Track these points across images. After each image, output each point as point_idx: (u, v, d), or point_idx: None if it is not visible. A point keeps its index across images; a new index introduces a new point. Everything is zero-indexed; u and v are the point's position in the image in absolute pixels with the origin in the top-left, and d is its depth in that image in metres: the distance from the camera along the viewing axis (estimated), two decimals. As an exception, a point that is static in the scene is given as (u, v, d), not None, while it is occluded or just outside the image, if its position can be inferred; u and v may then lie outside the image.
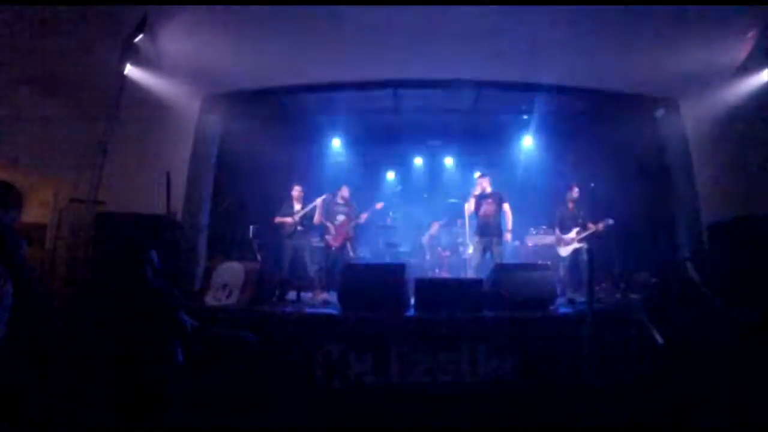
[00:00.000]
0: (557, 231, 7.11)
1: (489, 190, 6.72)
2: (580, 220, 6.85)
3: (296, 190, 7.01)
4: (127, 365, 3.03)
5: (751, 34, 4.90)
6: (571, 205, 7.05)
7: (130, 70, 5.06)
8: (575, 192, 7.05)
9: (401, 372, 4.45)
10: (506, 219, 6.67)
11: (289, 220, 6.79)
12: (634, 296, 5.66)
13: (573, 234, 6.84)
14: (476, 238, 6.66)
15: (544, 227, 8.08)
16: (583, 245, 6.69)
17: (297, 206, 6.91)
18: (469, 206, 6.79)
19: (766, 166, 5.30)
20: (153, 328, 3.04)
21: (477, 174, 7.12)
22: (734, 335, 3.88)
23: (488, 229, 6.55)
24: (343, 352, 4.49)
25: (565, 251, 6.94)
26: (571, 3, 4.61)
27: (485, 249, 6.55)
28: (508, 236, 6.70)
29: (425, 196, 10.37)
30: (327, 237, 7.39)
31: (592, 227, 6.69)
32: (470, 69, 6.25)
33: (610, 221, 6.63)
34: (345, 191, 7.63)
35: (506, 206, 6.68)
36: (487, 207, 6.61)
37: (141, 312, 3.03)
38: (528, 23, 5.03)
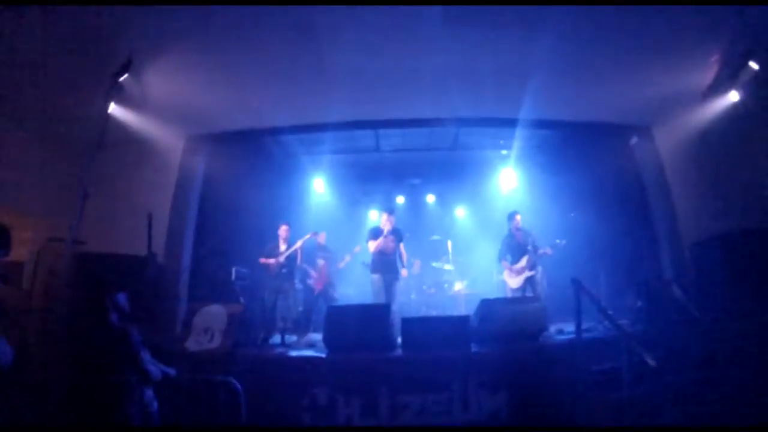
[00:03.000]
0: (505, 263, 6.84)
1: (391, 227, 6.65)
2: (529, 247, 6.66)
3: (283, 230, 6.96)
4: (97, 410, 2.89)
5: (715, 59, 5.14)
6: (518, 234, 6.85)
7: (114, 109, 5.05)
8: (518, 221, 6.87)
9: (391, 414, 4.32)
10: (402, 257, 6.69)
11: (272, 261, 6.70)
12: (622, 322, 5.66)
13: (523, 262, 6.65)
14: (377, 276, 6.51)
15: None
16: (536, 273, 6.58)
17: (282, 246, 6.84)
18: (374, 245, 6.60)
19: (738, 183, 5.46)
20: (117, 373, 2.93)
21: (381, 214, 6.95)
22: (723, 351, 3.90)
23: (389, 266, 6.52)
24: (331, 396, 4.36)
25: (516, 282, 6.69)
26: (542, 37, 4.80)
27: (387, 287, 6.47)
28: (404, 272, 6.74)
29: (407, 235, 10.39)
30: (309, 281, 7.52)
31: (542, 252, 6.58)
32: (449, 107, 6.39)
33: (561, 241, 6.56)
34: (322, 237, 7.93)
35: (402, 246, 6.70)
36: (389, 244, 6.57)
37: (104, 356, 2.92)
38: (503, 61, 5.20)
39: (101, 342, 2.96)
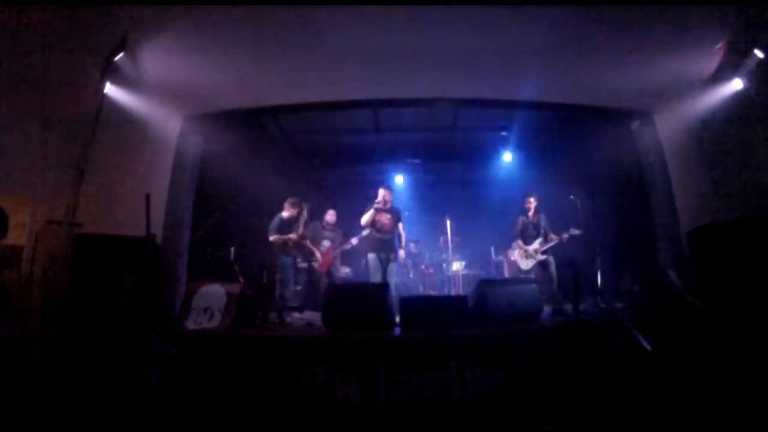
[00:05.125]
0: (519, 242, 6.81)
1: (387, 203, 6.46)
2: (542, 231, 6.65)
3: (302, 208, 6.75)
4: (100, 389, 2.94)
5: (720, 46, 5.10)
6: (532, 214, 6.81)
7: (109, 89, 5.01)
8: (533, 201, 6.81)
9: (389, 392, 4.37)
10: (400, 238, 6.53)
11: (293, 236, 6.56)
12: (618, 305, 5.72)
13: (536, 245, 6.63)
14: (372, 255, 6.40)
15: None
16: (548, 257, 6.53)
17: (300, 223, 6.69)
18: (366, 217, 6.40)
19: (738, 172, 5.47)
20: (125, 353, 2.96)
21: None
22: (717, 337, 3.95)
23: (385, 245, 6.37)
24: (329, 374, 4.40)
25: (527, 264, 6.65)
26: (543, 19, 4.74)
27: (383, 266, 6.33)
28: (401, 254, 6.60)
29: (406, 213, 10.38)
30: (313, 263, 7.19)
31: (554, 238, 6.52)
32: (448, 88, 6.33)
33: (576, 231, 6.48)
34: (330, 216, 7.47)
35: (400, 225, 6.54)
36: (385, 221, 6.43)
37: (113, 337, 2.95)
38: (504, 42, 5.15)
39: (107, 322, 2.99)
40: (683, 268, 5.69)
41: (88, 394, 2.99)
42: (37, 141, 4.99)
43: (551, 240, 6.54)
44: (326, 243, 7.33)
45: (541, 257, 6.56)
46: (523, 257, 6.74)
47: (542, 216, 6.80)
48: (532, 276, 6.52)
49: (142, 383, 3.02)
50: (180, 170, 6.48)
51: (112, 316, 3.00)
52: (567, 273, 6.34)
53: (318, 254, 7.20)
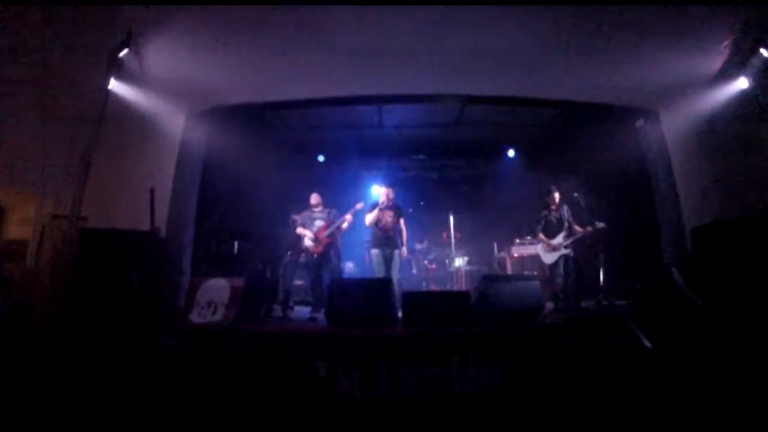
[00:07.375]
0: (542, 236, 6.65)
1: (390, 201, 6.62)
2: (566, 224, 6.54)
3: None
4: (106, 382, 2.98)
5: (725, 45, 5.08)
6: (554, 208, 6.67)
7: (114, 84, 5.03)
8: (556, 194, 6.68)
9: (390, 387, 4.40)
10: (401, 234, 6.65)
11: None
12: (620, 303, 5.73)
13: (560, 239, 6.50)
14: (376, 250, 6.56)
15: (529, 238, 8.09)
16: (570, 251, 6.42)
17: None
18: (371, 217, 6.60)
19: (743, 171, 5.45)
20: (131, 346, 3.00)
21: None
22: (718, 336, 3.95)
23: (388, 241, 6.52)
24: (331, 369, 4.43)
25: (551, 258, 6.54)
26: (548, 17, 4.74)
27: (386, 261, 6.47)
28: (404, 251, 6.71)
29: (410, 210, 10.40)
30: (308, 245, 6.64)
31: (579, 230, 6.39)
32: (453, 84, 6.32)
33: (601, 224, 6.30)
34: (314, 198, 7.06)
35: (402, 221, 6.65)
36: (387, 219, 6.56)
37: (118, 331, 3.00)
38: (509, 39, 5.13)
39: (113, 317, 3.02)
40: (687, 267, 5.67)
41: (93, 388, 3.02)
42: (42, 136, 5.00)
43: (576, 232, 6.41)
44: (318, 223, 6.83)
45: (565, 251, 6.48)
46: (547, 251, 6.63)
47: (565, 208, 6.64)
48: (559, 270, 6.44)
49: (147, 376, 3.05)
50: (184, 165, 6.50)
51: (117, 310, 3.02)
52: (570, 267, 6.36)
53: (309, 234, 6.69)
